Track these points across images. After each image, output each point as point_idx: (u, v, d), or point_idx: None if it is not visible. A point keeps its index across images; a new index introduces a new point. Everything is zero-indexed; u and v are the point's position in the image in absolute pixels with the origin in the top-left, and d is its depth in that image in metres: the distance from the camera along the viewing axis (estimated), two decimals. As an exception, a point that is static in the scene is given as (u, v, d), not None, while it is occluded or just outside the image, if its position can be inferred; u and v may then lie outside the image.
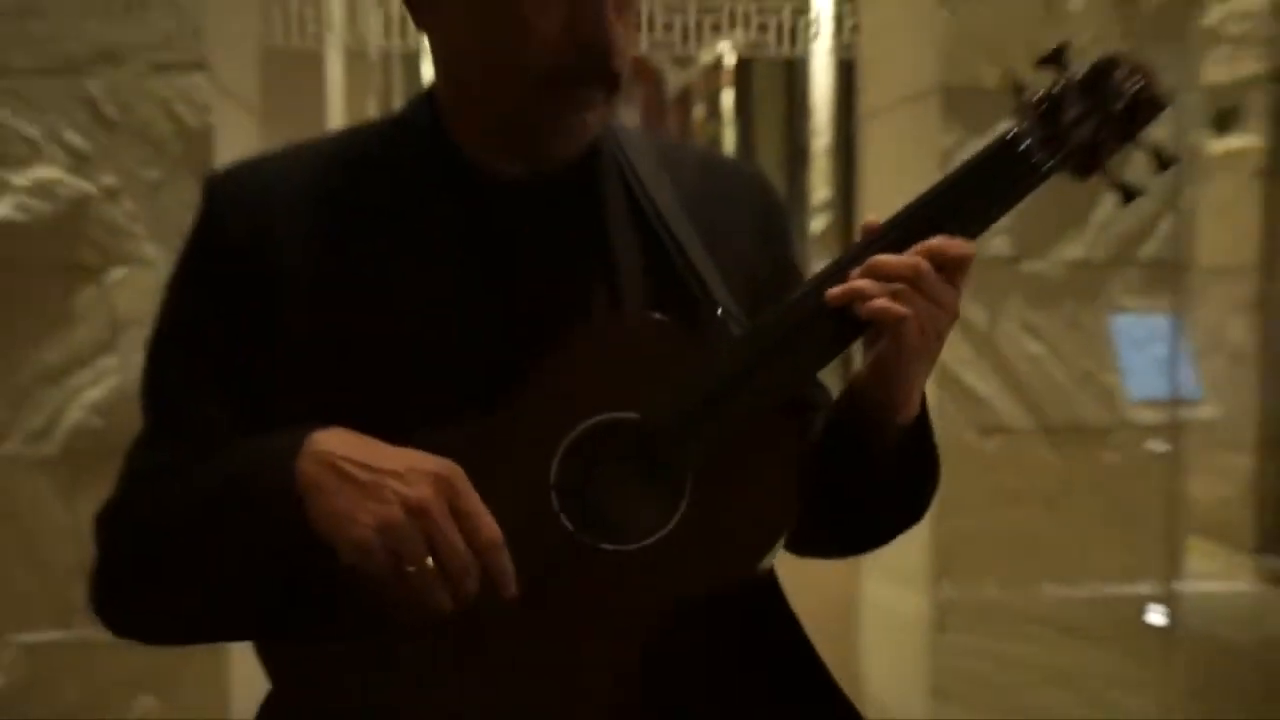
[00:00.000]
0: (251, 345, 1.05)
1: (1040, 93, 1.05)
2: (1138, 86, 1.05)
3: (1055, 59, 1.06)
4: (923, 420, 1.09)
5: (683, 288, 1.08)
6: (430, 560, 0.90)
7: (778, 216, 1.24)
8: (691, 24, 3.16)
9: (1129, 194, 1.08)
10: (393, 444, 0.95)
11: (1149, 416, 3.06)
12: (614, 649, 0.98)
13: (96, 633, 1.89)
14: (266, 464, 0.95)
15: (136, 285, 2.73)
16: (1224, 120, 5.26)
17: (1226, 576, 5.01)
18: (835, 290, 0.99)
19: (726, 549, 1.00)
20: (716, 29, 3.62)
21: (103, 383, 2.72)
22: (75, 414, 2.71)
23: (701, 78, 8.43)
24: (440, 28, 1.07)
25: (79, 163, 2.69)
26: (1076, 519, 3.09)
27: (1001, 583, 3.10)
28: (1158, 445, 3.17)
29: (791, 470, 1.02)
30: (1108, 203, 3.08)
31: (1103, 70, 1.05)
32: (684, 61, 8.51)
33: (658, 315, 1.05)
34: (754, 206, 1.21)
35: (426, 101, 1.12)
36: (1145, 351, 2.63)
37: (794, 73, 10.01)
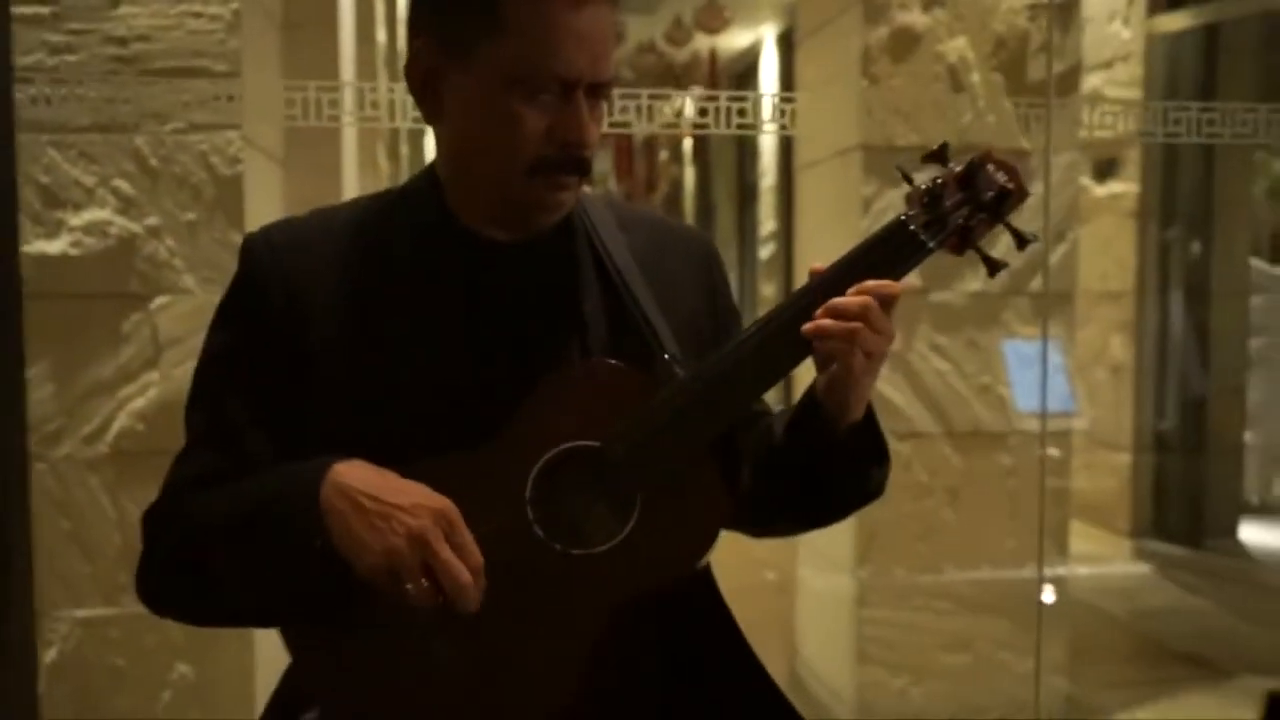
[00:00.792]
0: (279, 379, 1.07)
1: (925, 185, 1.07)
2: (1004, 181, 1.07)
3: (938, 156, 1.09)
4: (870, 417, 1.11)
5: (637, 335, 1.09)
6: (424, 581, 0.92)
7: (718, 269, 1.25)
8: (644, 106, 3.18)
9: (994, 267, 1.10)
10: (402, 466, 0.97)
11: (1034, 424, 3.03)
12: (578, 633, 1.00)
13: (140, 610, 1.90)
14: (296, 489, 0.97)
15: (176, 311, 2.70)
16: (1104, 169, 5.22)
17: (1107, 557, 4.97)
18: (808, 326, 1.01)
19: (670, 552, 1.02)
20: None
21: (146, 394, 2.69)
22: (123, 420, 2.68)
23: (664, 126, 8.38)
24: (447, 123, 1.09)
25: (127, 206, 2.67)
26: (975, 510, 3.06)
27: (912, 565, 3.07)
28: (1053, 451, 3.12)
29: (722, 490, 1.04)
30: (1002, 245, 3.14)
31: (976, 166, 1.07)
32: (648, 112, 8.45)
33: (615, 361, 1.06)
34: (698, 262, 1.22)
35: (429, 176, 1.13)
36: (1031, 369, 2.64)
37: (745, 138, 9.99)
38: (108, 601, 2.65)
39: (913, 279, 1.16)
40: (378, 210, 1.14)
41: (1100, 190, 5.19)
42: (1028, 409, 2.73)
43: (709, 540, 1.03)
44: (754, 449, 1.15)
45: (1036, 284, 3.07)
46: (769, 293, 9.18)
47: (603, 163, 10.14)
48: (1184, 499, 5.15)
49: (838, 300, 1.01)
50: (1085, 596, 4.33)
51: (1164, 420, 5.23)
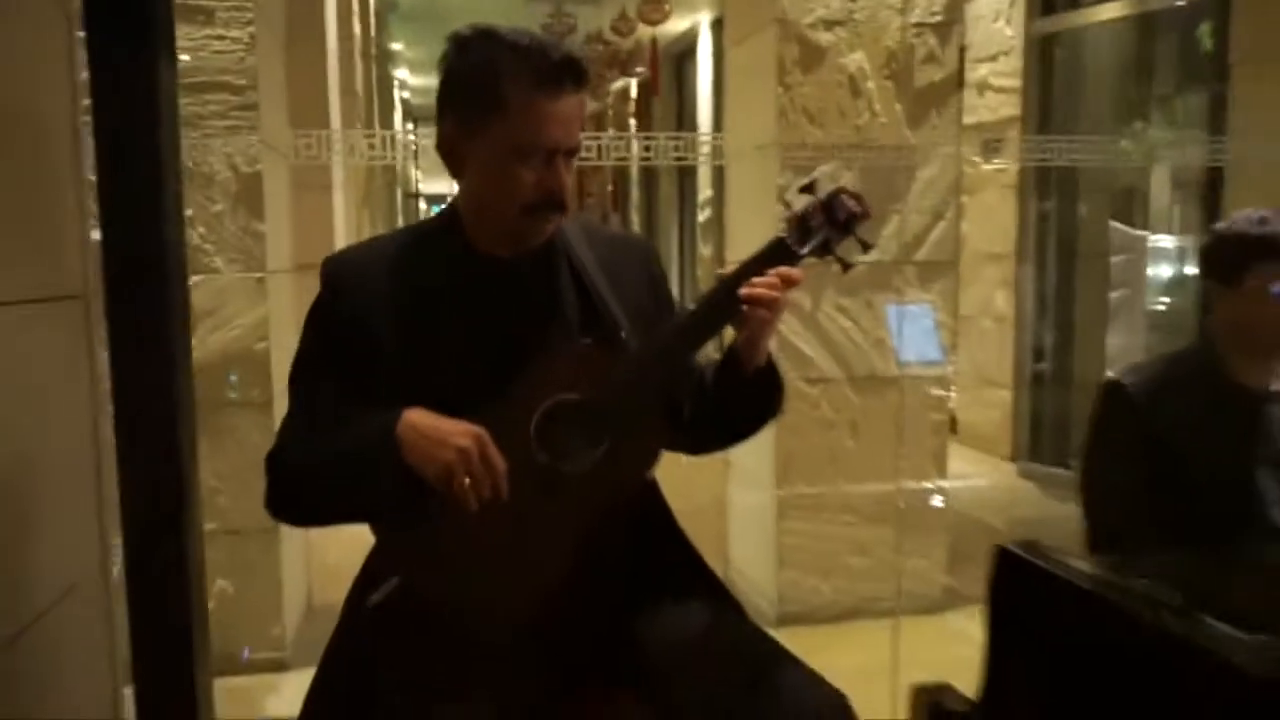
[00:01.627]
0: (352, 361, 1.34)
1: (798, 211, 1.34)
2: (854, 207, 1.34)
3: (809, 189, 1.35)
4: (771, 362, 1.39)
5: (601, 320, 1.38)
6: (467, 480, 1.22)
7: (657, 266, 1.52)
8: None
9: (846, 267, 1.37)
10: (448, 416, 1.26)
11: (918, 370, 3.30)
12: (568, 525, 1.29)
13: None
14: (380, 428, 1.26)
15: (208, 288, 2.92)
16: (990, 148, 5.46)
17: (989, 479, 5.27)
18: (747, 291, 1.27)
19: (628, 468, 1.32)
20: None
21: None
22: None
23: (610, 104, 8.56)
24: (466, 178, 1.37)
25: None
26: (871, 439, 3.33)
27: (821, 485, 3.33)
28: (938, 390, 3.43)
29: (662, 425, 1.34)
30: (894, 222, 3.32)
31: (834, 196, 1.33)
32: (595, 91, 8.62)
33: (587, 341, 1.35)
34: (643, 264, 1.50)
35: (451, 212, 1.42)
36: (916, 325, 2.93)
37: (684, 104, 10.15)
38: None
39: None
40: (416, 237, 1.43)
41: (986, 167, 5.47)
42: (906, 360, 3.02)
43: (653, 459, 1.34)
44: (692, 393, 1.43)
45: (922, 254, 3.37)
46: (706, 252, 9.45)
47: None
48: (1054, 427, 5.45)
49: (763, 279, 1.30)
50: (968, 510, 4.65)
51: (1039, 362, 5.52)
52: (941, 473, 3.46)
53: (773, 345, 1.40)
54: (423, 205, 18.80)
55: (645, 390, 1.32)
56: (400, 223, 11.36)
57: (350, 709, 1.31)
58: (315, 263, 4.40)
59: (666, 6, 6.98)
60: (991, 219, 5.60)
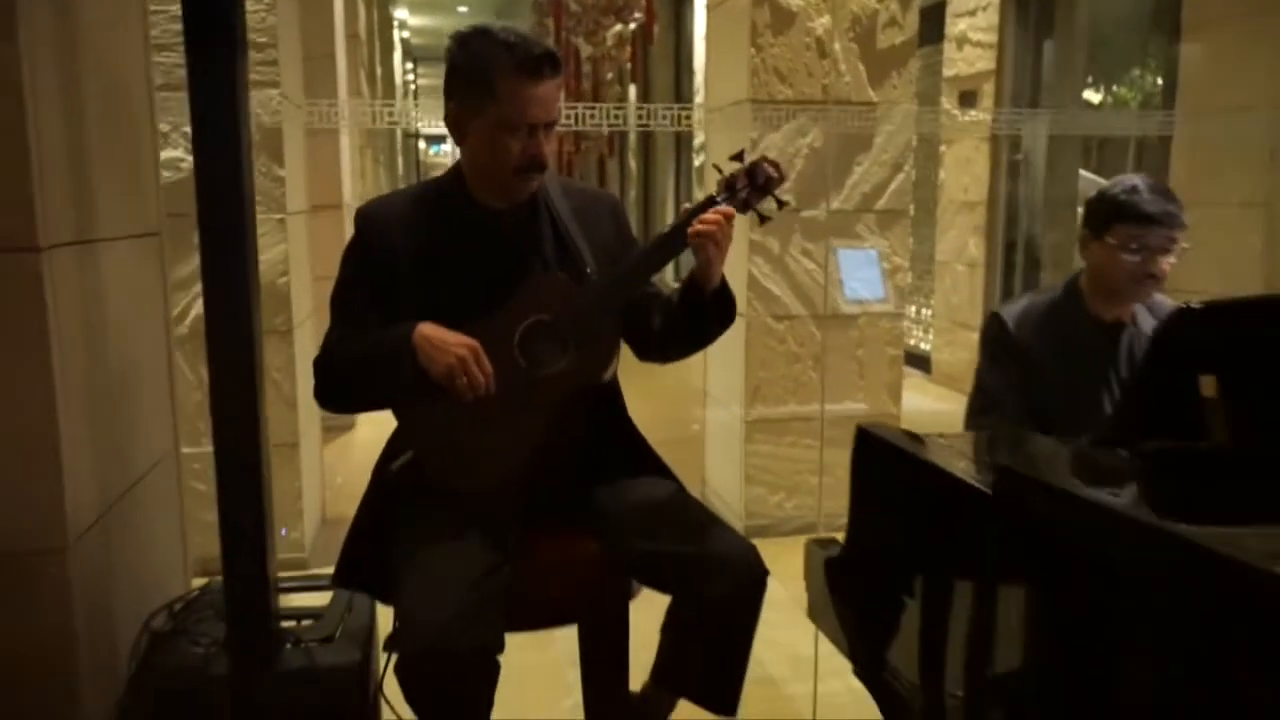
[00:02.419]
0: (380, 288, 1.73)
1: (727, 175, 1.70)
2: (772, 172, 1.69)
3: (738, 157, 1.71)
4: (723, 282, 1.70)
5: (574, 258, 1.76)
6: (465, 380, 1.63)
7: (621, 215, 1.90)
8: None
9: (763, 219, 1.72)
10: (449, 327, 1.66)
11: (878, 308, 3.69)
12: (541, 416, 1.69)
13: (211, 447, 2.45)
14: (399, 336, 1.65)
15: None
16: (966, 99, 5.82)
17: (956, 414, 5.74)
18: (694, 229, 1.61)
19: (589, 370, 1.72)
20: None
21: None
22: (197, 308, 3.19)
23: (609, 50, 8.83)
24: (466, 144, 1.74)
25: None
26: (832, 371, 3.70)
27: (785, 411, 3.71)
28: (900, 325, 3.79)
29: (616, 338, 1.73)
30: (856, 173, 3.69)
31: (756, 164, 1.69)
32: (593, 37, 8.89)
33: (560, 273, 1.74)
34: (610, 214, 1.87)
35: (456, 171, 1.80)
36: (862, 267, 3.31)
37: (680, 47, 10.39)
38: (190, 442, 3.18)
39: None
40: (429, 192, 1.82)
41: (962, 118, 5.78)
42: (851, 298, 3.41)
43: (607, 365, 1.75)
44: (659, 310, 1.79)
45: (880, 204, 3.75)
46: (701, 194, 9.75)
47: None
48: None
49: (708, 215, 1.65)
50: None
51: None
52: (896, 402, 3.86)
53: (733, 275, 1.75)
54: (421, 144, 19.07)
55: (601, 312, 1.71)
56: (400, 162, 11.69)
57: (378, 546, 1.75)
58: (328, 204, 4.89)
59: (662, -46, 7.21)
60: (967, 169, 5.96)
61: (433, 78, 16.83)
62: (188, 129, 3.23)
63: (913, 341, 6.89)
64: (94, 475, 1.63)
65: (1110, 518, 1.21)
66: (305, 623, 1.82)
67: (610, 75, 9.22)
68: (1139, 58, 6.25)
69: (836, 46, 3.62)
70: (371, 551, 1.77)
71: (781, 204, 1.74)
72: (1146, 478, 1.38)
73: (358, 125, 4.88)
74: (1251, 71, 4.00)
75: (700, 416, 4.25)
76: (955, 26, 5.89)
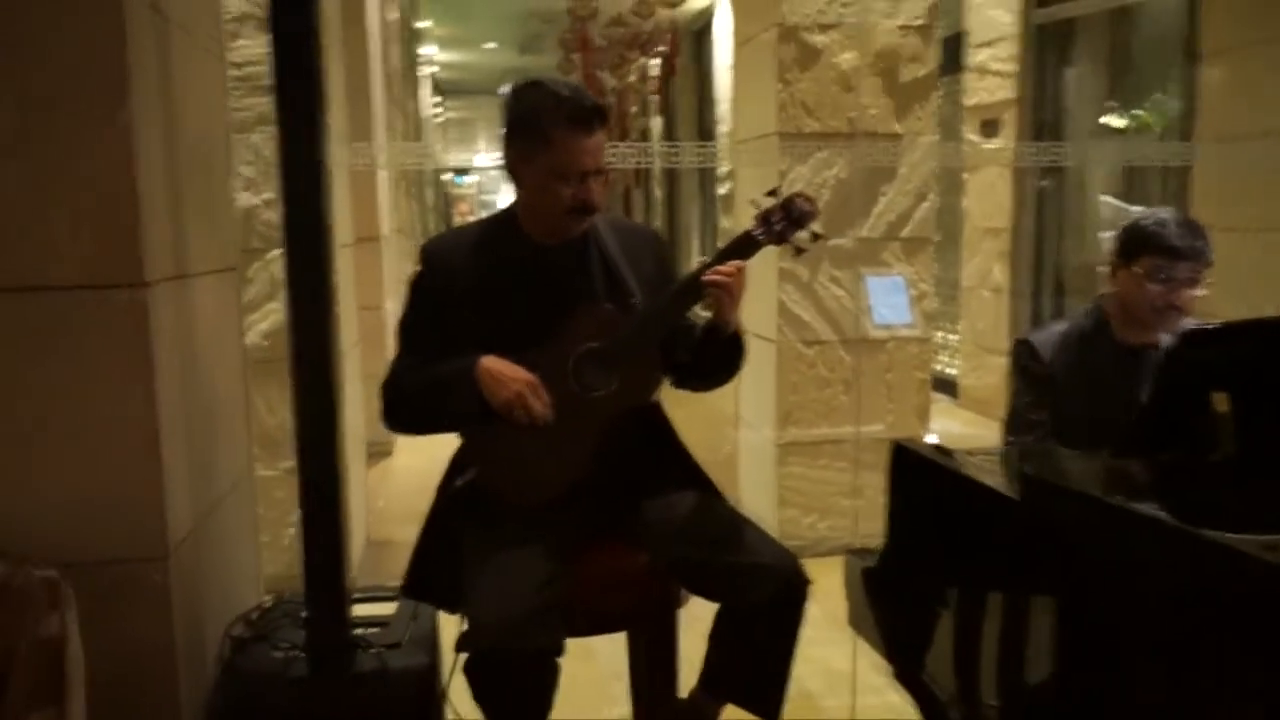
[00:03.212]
0: (444, 318, 1.88)
1: (762, 210, 1.84)
2: (807, 207, 1.83)
3: (773, 193, 1.85)
4: (737, 332, 1.88)
5: (620, 290, 1.90)
6: (523, 411, 1.77)
7: (663, 250, 2.06)
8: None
9: (798, 252, 1.87)
10: (506, 358, 1.80)
11: (906, 333, 3.79)
12: (593, 435, 1.83)
13: (269, 472, 2.52)
14: (463, 369, 1.80)
15: (283, 262, 3.49)
16: (988, 128, 5.93)
17: (983, 438, 5.48)
18: (707, 277, 1.77)
19: (635, 393, 1.87)
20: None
21: (268, 319, 3.42)
22: (251, 338, 3.35)
23: (633, 84, 9.06)
24: (523, 187, 1.90)
25: (249, 185, 3.35)
26: (863, 393, 3.80)
27: (817, 435, 3.82)
28: (921, 348, 3.89)
29: (658, 364, 1.87)
30: (882, 202, 3.81)
31: (791, 199, 1.83)
32: (618, 70, 9.10)
33: (608, 305, 1.88)
34: (653, 249, 2.02)
35: (511, 211, 1.96)
36: (890, 293, 3.43)
37: (703, 77, 10.58)
38: None
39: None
40: (489, 227, 1.99)
41: (984, 146, 5.93)
42: (879, 323, 3.53)
43: (651, 390, 1.90)
44: (685, 343, 1.93)
45: (906, 231, 3.88)
46: (726, 224, 9.92)
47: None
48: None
49: (722, 267, 1.81)
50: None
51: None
52: (924, 424, 3.95)
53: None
54: (446, 175, 19.44)
55: (645, 341, 1.86)
56: (430, 194, 11.94)
57: (444, 559, 1.90)
58: (369, 236, 5.07)
59: (686, -11, 7.40)
60: (990, 195, 6.06)
61: (459, 110, 17.19)
62: (243, 169, 3.47)
63: (939, 366, 6.96)
64: (188, 491, 1.80)
65: (1132, 521, 1.32)
66: (375, 630, 1.96)
67: (634, 108, 9.44)
68: (1160, 83, 6.33)
69: (861, 81, 3.76)
70: (438, 564, 1.92)
71: (816, 237, 1.86)
72: (1162, 486, 1.50)
73: (394, 166, 5.06)
74: (1272, 97, 4.10)
75: (732, 439, 4.34)
76: (975, 57, 6.03)
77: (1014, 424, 2.38)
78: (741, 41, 4.12)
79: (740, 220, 4.28)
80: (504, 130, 1.91)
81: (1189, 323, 2.33)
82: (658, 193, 12.61)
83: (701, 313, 1.94)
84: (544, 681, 1.73)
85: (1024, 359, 2.37)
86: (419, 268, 1.95)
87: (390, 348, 4.68)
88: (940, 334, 7.12)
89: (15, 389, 1.59)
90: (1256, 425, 1.53)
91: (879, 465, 3.67)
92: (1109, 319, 2.35)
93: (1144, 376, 2.30)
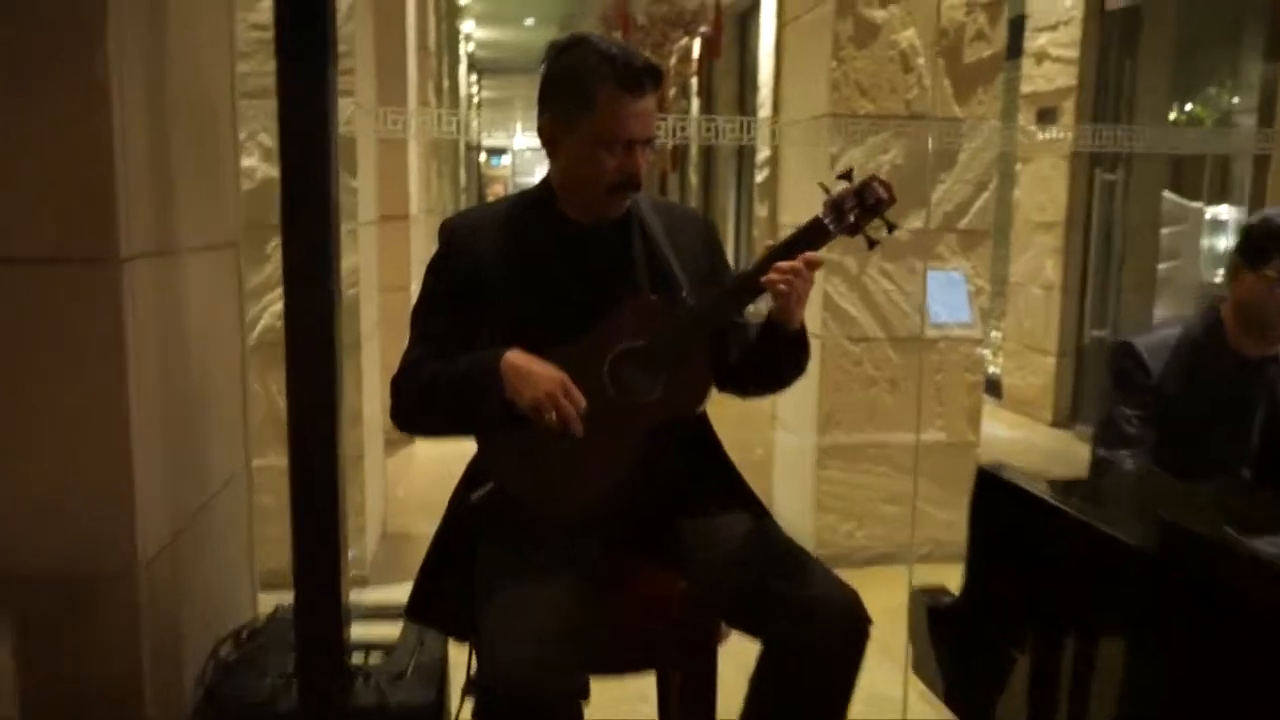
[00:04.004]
0: (465, 305, 1.64)
1: (834, 195, 1.59)
2: (883, 193, 1.59)
3: (846, 176, 1.61)
4: (801, 330, 1.64)
5: (666, 279, 1.66)
6: (554, 415, 1.52)
7: (713, 235, 1.81)
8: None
9: (872, 244, 1.62)
10: (535, 353, 1.57)
11: (958, 332, 3.55)
12: (630, 446, 1.60)
13: (276, 462, 2.36)
14: (486, 364, 1.56)
15: None
16: (1045, 116, 5.62)
17: (1029, 441, 5.47)
18: (766, 277, 1.54)
19: (682, 401, 1.62)
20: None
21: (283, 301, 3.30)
22: (266, 320, 3.22)
23: (674, 65, 8.78)
24: (559, 157, 1.66)
25: (267, 154, 3.16)
26: (910, 396, 3.56)
27: (859, 437, 3.59)
28: (979, 350, 3.63)
29: (709, 369, 1.63)
30: (939, 190, 3.57)
31: (866, 184, 1.59)
32: (659, 49, 8.84)
33: (653, 296, 1.64)
34: (702, 233, 1.78)
35: (546, 185, 1.71)
36: (950, 289, 3.19)
37: (745, 62, 10.30)
38: (257, 455, 3.25)
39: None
40: (517, 205, 1.74)
41: (1040, 135, 5.64)
42: (938, 322, 3.29)
43: (701, 398, 1.65)
44: (739, 342, 1.71)
45: (964, 223, 3.62)
46: (763, 212, 9.66)
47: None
48: (1097, 395, 5.60)
49: (783, 263, 1.57)
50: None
51: (1085, 330, 5.69)
52: (975, 430, 3.71)
53: (811, 313, 1.68)
54: (483, 157, 19.23)
55: (695, 341, 1.62)
56: (463, 174, 11.73)
57: (454, 580, 1.66)
58: (397, 214, 4.86)
59: (731, -33, 7.14)
60: (1044, 188, 5.76)
61: (496, 90, 16.93)
62: (263, 137, 3.27)
63: (982, 364, 6.69)
64: (167, 494, 1.57)
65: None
66: (376, 656, 1.73)
67: (674, 90, 9.16)
68: (1215, 76, 6.02)
69: (921, 60, 3.50)
70: (447, 585, 1.68)
71: (891, 228, 1.62)
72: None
73: (423, 135, 4.86)
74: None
75: (766, 440, 4.14)
76: (1035, 41, 5.72)
77: (1109, 436, 2.11)
78: (792, 17, 3.87)
79: (790, 207, 4.04)
80: (540, 91, 1.67)
81: None
82: (693, 178, 12.34)
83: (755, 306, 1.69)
84: (565, 728, 1.49)
85: (1127, 365, 2.11)
86: (439, 247, 1.72)
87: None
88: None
89: (-34, 375, 1.37)
90: None
91: (923, 471, 3.60)
92: (1225, 326, 2.08)
93: (1262, 392, 2.03)
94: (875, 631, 1.63)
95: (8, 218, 1.35)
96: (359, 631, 1.81)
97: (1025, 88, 5.83)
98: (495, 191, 19.45)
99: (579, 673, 1.47)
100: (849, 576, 1.58)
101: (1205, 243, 6.22)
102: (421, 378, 1.66)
